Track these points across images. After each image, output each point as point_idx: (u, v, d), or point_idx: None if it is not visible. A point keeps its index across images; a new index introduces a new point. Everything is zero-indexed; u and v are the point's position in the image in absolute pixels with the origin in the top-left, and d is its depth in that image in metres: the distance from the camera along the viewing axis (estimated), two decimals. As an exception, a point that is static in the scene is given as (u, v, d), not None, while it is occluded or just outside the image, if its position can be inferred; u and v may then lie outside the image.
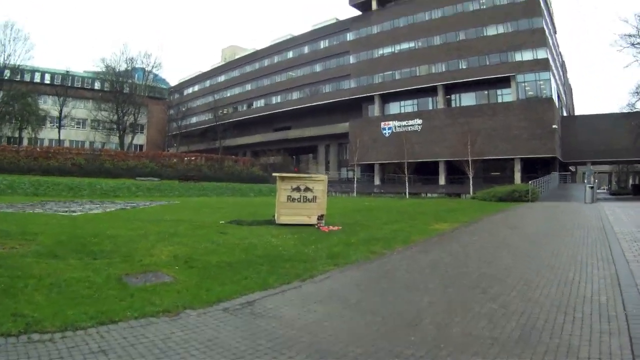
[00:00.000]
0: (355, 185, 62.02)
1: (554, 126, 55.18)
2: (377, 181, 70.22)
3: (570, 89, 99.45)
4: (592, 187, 33.30)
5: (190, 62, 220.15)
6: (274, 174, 16.41)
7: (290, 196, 15.75)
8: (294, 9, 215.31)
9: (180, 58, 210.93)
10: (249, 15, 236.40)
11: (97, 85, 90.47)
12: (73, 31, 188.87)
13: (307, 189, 15.78)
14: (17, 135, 78.20)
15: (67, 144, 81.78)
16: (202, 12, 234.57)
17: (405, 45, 70.49)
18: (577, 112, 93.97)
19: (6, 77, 72.84)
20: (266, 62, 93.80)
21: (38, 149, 57.83)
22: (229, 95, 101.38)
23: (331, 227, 15.16)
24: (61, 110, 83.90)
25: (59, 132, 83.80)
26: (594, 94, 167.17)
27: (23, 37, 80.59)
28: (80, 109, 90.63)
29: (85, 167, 54.76)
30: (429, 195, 59.81)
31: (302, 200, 15.75)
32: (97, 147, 78.21)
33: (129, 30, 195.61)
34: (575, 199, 35.91)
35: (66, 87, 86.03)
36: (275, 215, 15.86)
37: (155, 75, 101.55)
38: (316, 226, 15.30)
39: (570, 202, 33.43)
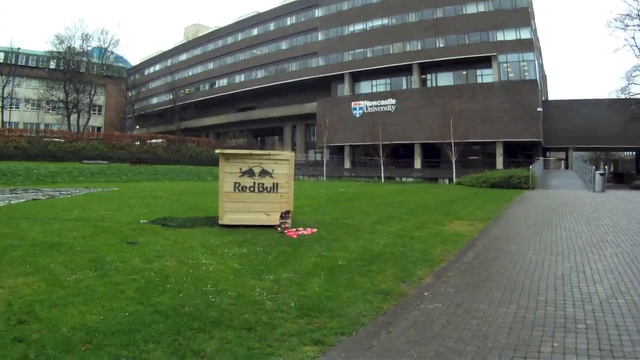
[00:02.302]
0: (324, 169, 58.32)
1: (538, 109, 51.85)
2: (347, 164, 65.65)
3: (545, 75, 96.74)
4: (602, 174, 29.12)
5: (154, 43, 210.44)
6: (217, 151, 11.20)
7: (238, 184, 10.83)
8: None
9: (144, 39, 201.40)
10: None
11: (52, 65, 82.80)
12: (28, 9, 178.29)
13: (264, 173, 10.87)
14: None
15: (21, 126, 75.75)
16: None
17: (377, 22, 66.51)
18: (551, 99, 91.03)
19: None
20: (230, 40, 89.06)
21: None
22: (190, 74, 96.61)
23: (301, 230, 10.35)
24: (3, 89, 76.71)
25: (1, 112, 76.81)
26: (568, 82, 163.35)
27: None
28: (30, 89, 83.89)
29: (29, 150, 50.27)
30: (403, 179, 56.27)
31: (257, 190, 10.86)
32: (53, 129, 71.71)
33: (91, 9, 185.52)
34: (579, 187, 31.88)
35: (10, 65, 78.57)
36: (219, 212, 10.97)
37: (116, 55, 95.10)
38: (279, 229, 10.44)
39: (576, 190, 29.42)
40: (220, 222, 10.72)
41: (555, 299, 5.73)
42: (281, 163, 11.09)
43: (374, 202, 18.48)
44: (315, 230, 10.48)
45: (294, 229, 10.40)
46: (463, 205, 18.25)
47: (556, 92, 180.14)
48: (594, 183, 29.07)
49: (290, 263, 7.25)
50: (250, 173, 10.82)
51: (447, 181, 50.19)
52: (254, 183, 10.86)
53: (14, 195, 19.68)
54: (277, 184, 10.96)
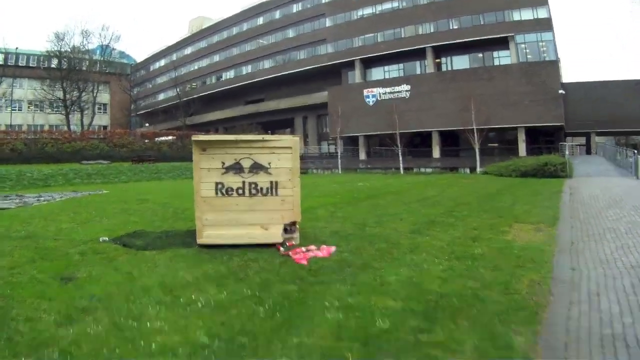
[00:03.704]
0: (339, 161, 55.12)
1: (560, 91, 48.38)
2: (362, 155, 62.57)
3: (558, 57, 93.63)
4: (646, 159, 25.80)
5: (160, 38, 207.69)
6: (193, 137, 7.97)
7: (221, 184, 7.82)
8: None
9: (150, 35, 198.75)
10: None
11: (53, 64, 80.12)
12: (29, 8, 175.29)
13: (257, 168, 7.83)
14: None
15: (24, 128, 72.76)
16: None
17: (387, 5, 63.48)
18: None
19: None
20: (235, 31, 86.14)
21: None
22: (196, 68, 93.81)
23: (314, 250, 7.31)
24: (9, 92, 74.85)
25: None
26: (578, 63, 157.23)
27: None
28: (30, 90, 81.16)
29: (25, 152, 47.71)
30: (422, 170, 53.19)
31: (248, 193, 7.85)
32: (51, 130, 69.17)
33: (93, 7, 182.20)
34: (616, 174, 28.55)
35: (4, 66, 76.22)
36: (196, 226, 7.89)
37: (120, 52, 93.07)
38: (282, 248, 7.44)
39: (617, 178, 25.96)
40: (198, 240, 7.71)
41: None
42: (281, 152, 7.97)
43: (402, 200, 15.37)
44: (334, 249, 7.45)
45: (304, 249, 7.35)
46: (509, 201, 15.07)
47: (568, 74, 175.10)
48: (636, 169, 25.76)
49: (295, 327, 4.24)
50: (237, 168, 7.81)
51: (467, 170, 47.71)
52: (244, 183, 7.85)
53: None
54: (276, 182, 7.92)
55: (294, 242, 7.75)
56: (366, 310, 4.62)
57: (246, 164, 7.84)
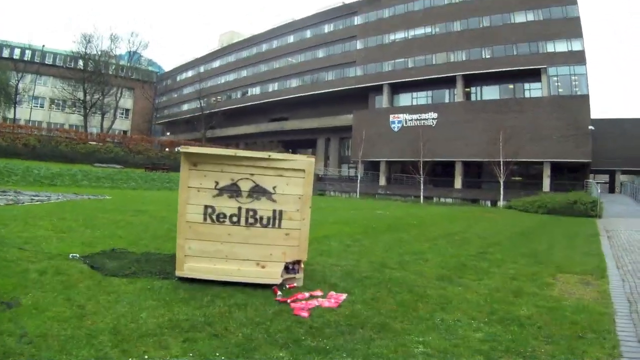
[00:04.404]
0: (358, 185, 53.97)
1: (590, 127, 46.84)
2: (382, 181, 61.22)
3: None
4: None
5: (190, 50, 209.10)
6: (178, 148, 6.44)
7: (212, 209, 6.32)
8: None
9: (181, 46, 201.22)
10: (251, 2, 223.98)
11: (80, 65, 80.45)
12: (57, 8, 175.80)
13: (258, 192, 6.34)
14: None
15: (44, 125, 72.80)
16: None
17: (420, 31, 62.28)
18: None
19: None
20: (264, 47, 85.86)
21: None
22: (222, 82, 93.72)
23: (319, 298, 5.84)
24: (17, 86, 74.30)
25: (14, 109, 74.91)
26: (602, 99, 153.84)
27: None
28: (54, 88, 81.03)
29: (38, 149, 47.50)
30: (442, 199, 51.70)
31: (244, 222, 6.35)
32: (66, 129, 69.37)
33: (126, 17, 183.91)
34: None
35: (33, 62, 77.05)
36: (177, 255, 6.40)
37: (149, 60, 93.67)
38: (278, 294, 5.90)
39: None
40: (177, 272, 6.24)
41: None
42: (291, 175, 6.45)
43: (426, 234, 13.79)
44: (345, 297, 5.94)
45: (307, 294, 5.89)
46: (545, 243, 13.44)
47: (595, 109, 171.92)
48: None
49: None
50: (233, 191, 6.30)
51: (488, 203, 46.34)
52: (240, 209, 6.33)
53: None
54: (280, 212, 6.39)
55: (295, 285, 6.29)
56: None
57: (245, 186, 6.36)
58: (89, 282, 5.85)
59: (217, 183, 6.31)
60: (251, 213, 6.34)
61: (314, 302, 5.60)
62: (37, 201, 17.12)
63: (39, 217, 11.78)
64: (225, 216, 6.30)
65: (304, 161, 6.55)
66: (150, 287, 5.80)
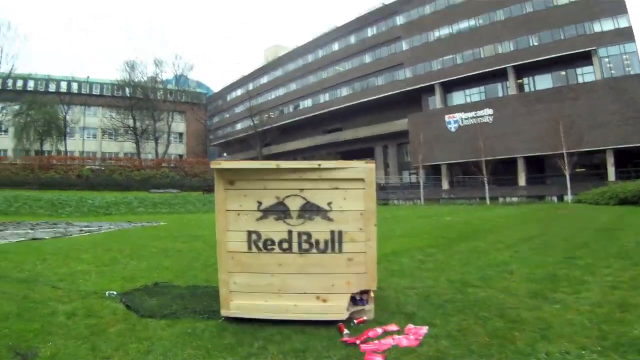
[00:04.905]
0: (421, 191, 53.04)
1: (650, 107, 44.37)
2: (445, 185, 59.93)
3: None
4: None
5: (237, 69, 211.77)
6: (212, 164, 5.59)
7: (257, 235, 5.31)
8: (338, 2, 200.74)
9: (226, 65, 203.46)
10: (292, 14, 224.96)
11: (127, 92, 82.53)
12: (97, 38, 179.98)
13: (310, 210, 5.30)
14: (38, 147, 71.13)
15: (98, 155, 75.40)
16: (244, 15, 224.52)
17: (464, 24, 61.05)
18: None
19: (19, 88, 66.87)
20: (310, 58, 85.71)
21: (33, 160, 51.27)
22: (273, 97, 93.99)
23: (395, 335, 4.75)
24: (65, 118, 75.93)
25: (65, 141, 75.85)
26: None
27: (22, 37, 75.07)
28: (103, 118, 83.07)
29: (92, 179, 49.29)
30: (507, 199, 49.92)
31: (297, 248, 5.30)
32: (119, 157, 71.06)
33: (168, 39, 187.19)
34: None
35: (80, 94, 79.15)
36: (220, 292, 5.41)
37: (197, 82, 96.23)
38: (345, 332, 4.81)
39: None
40: (223, 311, 5.32)
41: None
42: (348, 187, 5.33)
43: (503, 241, 12.40)
44: (426, 330, 4.84)
45: (379, 330, 4.83)
46: (631, 239, 11.74)
47: None
48: None
49: None
50: (280, 211, 5.30)
51: (555, 199, 44.85)
52: (290, 233, 5.32)
53: (24, 231, 17.36)
54: (340, 233, 5.30)
55: (365, 318, 5.21)
56: None
57: (294, 204, 5.33)
58: (121, 327, 5.12)
59: (260, 203, 5.36)
60: (304, 237, 5.34)
61: (389, 341, 4.56)
62: (86, 232, 17.02)
63: (83, 249, 11.46)
64: (273, 243, 5.34)
65: (362, 168, 5.39)
66: (191, 331, 4.96)
